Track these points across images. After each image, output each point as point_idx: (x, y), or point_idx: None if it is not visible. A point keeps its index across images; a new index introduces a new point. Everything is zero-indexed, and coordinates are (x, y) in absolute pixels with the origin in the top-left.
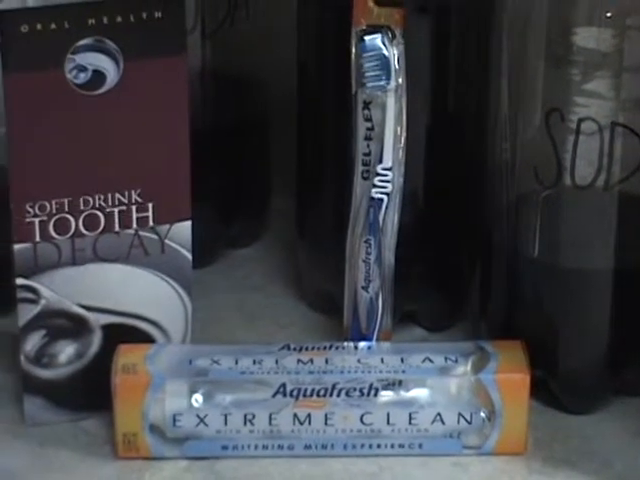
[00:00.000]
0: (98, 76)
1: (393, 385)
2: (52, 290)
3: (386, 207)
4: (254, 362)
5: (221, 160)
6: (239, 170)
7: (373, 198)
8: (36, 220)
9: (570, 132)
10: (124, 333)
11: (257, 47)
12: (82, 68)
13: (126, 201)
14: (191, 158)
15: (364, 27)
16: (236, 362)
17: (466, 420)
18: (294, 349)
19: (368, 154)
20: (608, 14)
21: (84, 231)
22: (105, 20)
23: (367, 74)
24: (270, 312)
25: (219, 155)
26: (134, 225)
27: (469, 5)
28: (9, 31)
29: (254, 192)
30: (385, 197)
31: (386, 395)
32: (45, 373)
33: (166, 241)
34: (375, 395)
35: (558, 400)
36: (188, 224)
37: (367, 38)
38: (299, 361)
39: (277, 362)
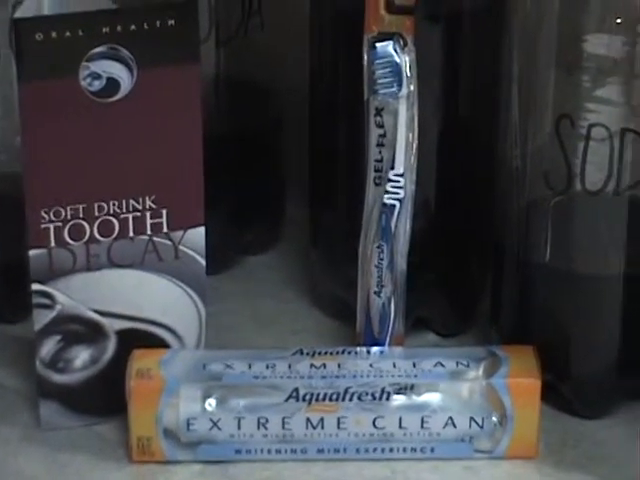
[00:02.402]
0: (112, 84)
1: (405, 389)
2: (67, 295)
3: (398, 213)
4: (267, 367)
5: (236, 167)
6: (253, 177)
7: (385, 204)
8: (51, 226)
9: (580, 138)
10: (139, 338)
11: (271, 55)
12: (96, 76)
13: (140, 207)
14: (206, 164)
15: (376, 34)
16: (249, 367)
17: (478, 424)
18: (307, 354)
19: (380, 160)
20: (618, 20)
21: (99, 237)
22: (119, 28)
23: (379, 81)
24: (284, 318)
25: (234, 162)
26: (148, 231)
27: (480, 12)
28: (24, 39)
29: (268, 199)
30: (397, 203)
31: (398, 399)
32: (61, 378)
33: (180, 247)
34: (387, 399)
35: (569, 405)
36: (202, 230)
37: (379, 45)
38: (312, 366)
39: (290, 367)
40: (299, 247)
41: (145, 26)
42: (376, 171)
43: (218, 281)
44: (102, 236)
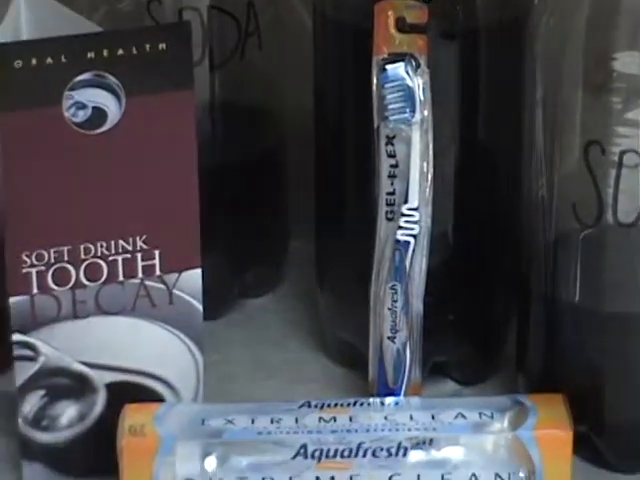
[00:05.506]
0: (98, 114)
1: (423, 444)
2: (52, 346)
3: (413, 250)
4: (272, 421)
5: (234, 201)
6: (253, 212)
7: (399, 241)
8: (33, 270)
9: (611, 165)
10: (130, 392)
11: (270, 77)
12: (81, 105)
13: (130, 248)
14: (201, 200)
15: (386, 55)
16: (252, 421)
17: None
18: (315, 406)
19: (392, 193)
20: None
21: (85, 282)
22: (105, 53)
23: (390, 106)
24: (289, 367)
25: (231, 196)
26: (139, 274)
27: (499, 29)
28: (1, 67)
29: (270, 236)
30: (412, 239)
31: (416, 455)
32: (45, 437)
33: (174, 291)
34: (404, 455)
35: (604, 458)
36: (198, 272)
37: (389, 67)
38: (321, 419)
39: (297, 421)
40: (304, 288)
41: (134, 51)
42: (388, 205)
43: (216, 327)
44: (89, 281)
